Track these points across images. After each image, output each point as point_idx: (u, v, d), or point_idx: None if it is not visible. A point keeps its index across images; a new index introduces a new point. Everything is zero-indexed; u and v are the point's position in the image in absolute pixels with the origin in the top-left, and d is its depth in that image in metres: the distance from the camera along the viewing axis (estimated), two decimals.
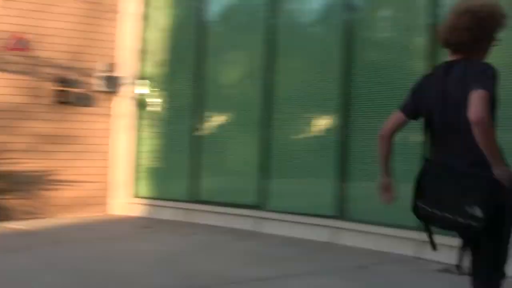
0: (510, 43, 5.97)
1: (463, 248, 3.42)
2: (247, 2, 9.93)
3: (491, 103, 3.05)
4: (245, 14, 9.66)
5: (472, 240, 3.30)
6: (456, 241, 6.18)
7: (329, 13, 8.37)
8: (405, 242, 6.92)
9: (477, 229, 3.05)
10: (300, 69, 8.68)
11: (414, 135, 7.02)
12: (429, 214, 3.31)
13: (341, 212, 7.85)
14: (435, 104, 3.31)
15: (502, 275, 3.33)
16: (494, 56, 3.85)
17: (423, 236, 6.62)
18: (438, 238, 6.44)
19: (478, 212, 3.01)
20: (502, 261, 3.32)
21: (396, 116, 3.58)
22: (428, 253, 6.60)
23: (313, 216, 8.05)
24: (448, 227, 3.28)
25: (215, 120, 9.76)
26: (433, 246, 3.49)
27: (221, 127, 9.68)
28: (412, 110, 3.49)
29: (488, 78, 3.08)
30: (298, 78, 8.67)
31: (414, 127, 6.81)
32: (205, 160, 9.59)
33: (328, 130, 8.19)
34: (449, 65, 3.33)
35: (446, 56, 6.52)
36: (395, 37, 7.61)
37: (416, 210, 3.39)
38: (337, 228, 7.79)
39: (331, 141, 8.05)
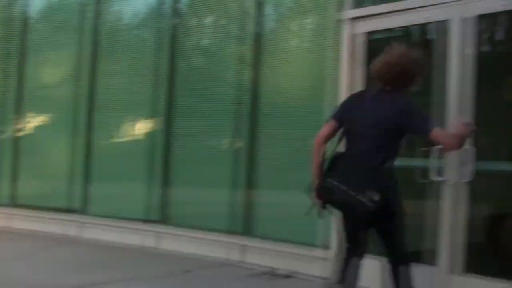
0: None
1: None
2: (70, 0, 9.50)
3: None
4: (68, 13, 9.19)
5: (361, 221, 4.17)
6: (277, 246, 6.37)
7: (155, 17, 8.18)
8: (227, 247, 6.92)
9: (370, 208, 3.91)
10: (124, 72, 8.44)
11: (231, 143, 7.13)
12: (334, 189, 4.06)
13: (164, 217, 7.72)
14: (358, 117, 4.20)
15: (404, 256, 4.30)
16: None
17: (245, 240, 6.81)
18: (261, 242, 6.63)
19: (376, 196, 3.88)
20: (400, 245, 4.28)
21: (329, 124, 4.40)
22: (249, 257, 6.72)
23: (135, 221, 7.86)
24: (345, 203, 4.09)
25: (35, 122, 9.25)
26: (319, 214, 4.31)
27: (41, 129, 9.19)
28: (341, 119, 4.33)
29: (425, 114, 4.17)
30: (122, 82, 8.43)
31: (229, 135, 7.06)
32: (24, 163, 9.11)
33: (151, 135, 8.00)
34: (378, 92, 4.24)
35: (270, 64, 6.72)
36: (219, 44, 7.60)
37: (321, 187, 4.19)
38: (160, 232, 7.66)
39: (154, 145, 7.90)
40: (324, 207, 4.29)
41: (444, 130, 4.21)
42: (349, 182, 4.03)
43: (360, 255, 4.40)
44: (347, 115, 4.33)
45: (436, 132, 4.03)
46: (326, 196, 4.19)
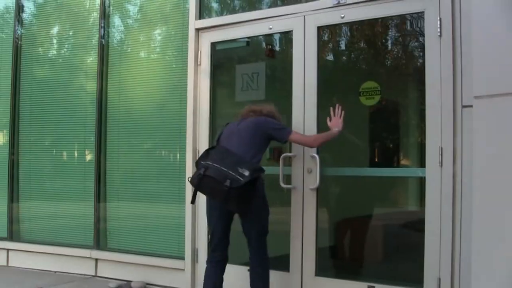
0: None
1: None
2: None
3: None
4: None
5: (226, 204, 4.26)
6: (133, 258, 6.02)
7: None
8: (81, 261, 6.52)
9: (241, 182, 4.13)
10: None
11: (82, 155, 6.69)
12: (207, 167, 4.28)
13: (12, 233, 7.19)
14: (230, 132, 4.64)
15: (263, 261, 4.54)
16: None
17: (100, 254, 6.39)
18: (116, 256, 6.25)
19: (246, 172, 4.17)
20: (261, 248, 4.53)
21: None
22: (104, 271, 6.33)
23: None
24: (216, 180, 4.21)
25: None
26: (193, 200, 4.53)
27: None
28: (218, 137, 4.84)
29: (283, 124, 4.72)
30: None
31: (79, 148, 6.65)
32: None
33: None
34: (243, 118, 4.73)
35: (115, 74, 6.28)
36: (66, 55, 7.14)
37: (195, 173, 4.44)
38: (9, 249, 7.11)
39: (0, 159, 7.32)
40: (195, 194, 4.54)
41: (299, 134, 4.70)
42: (222, 162, 4.30)
43: (223, 260, 4.59)
44: (220, 135, 4.80)
45: (292, 136, 4.56)
46: (197, 181, 4.35)
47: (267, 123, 4.57)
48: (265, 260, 4.58)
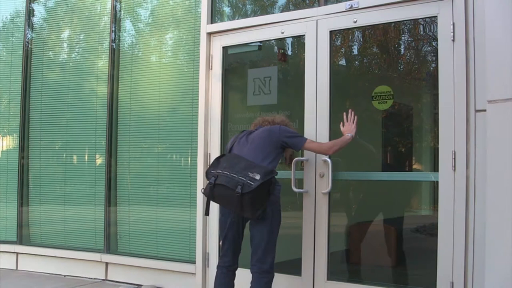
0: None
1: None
2: None
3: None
4: None
5: (236, 208, 4.24)
6: (143, 262, 6.06)
7: (9, 30, 7.64)
8: (92, 265, 6.59)
9: (252, 187, 4.12)
10: None
11: (92, 159, 6.76)
12: (217, 175, 4.31)
13: (21, 237, 7.27)
14: (241, 141, 4.66)
15: (268, 271, 4.40)
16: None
17: (109, 258, 6.45)
18: (126, 260, 6.30)
19: (257, 176, 4.16)
20: (269, 257, 4.40)
21: None
22: (114, 275, 6.37)
23: None
24: (228, 188, 4.21)
25: None
26: (207, 211, 4.59)
27: None
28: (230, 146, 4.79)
29: (296, 132, 4.71)
30: None
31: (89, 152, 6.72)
32: None
33: (4, 153, 7.52)
34: (256, 128, 4.78)
35: (126, 78, 6.38)
36: (77, 59, 7.21)
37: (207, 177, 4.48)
38: (18, 253, 7.19)
39: (10, 163, 7.42)
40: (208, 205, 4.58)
41: (315, 142, 4.79)
42: (232, 168, 4.31)
43: (233, 265, 4.60)
44: (230, 145, 4.78)
45: (307, 144, 4.58)
46: (209, 191, 4.38)
47: (281, 131, 4.57)
48: (266, 276, 4.44)
